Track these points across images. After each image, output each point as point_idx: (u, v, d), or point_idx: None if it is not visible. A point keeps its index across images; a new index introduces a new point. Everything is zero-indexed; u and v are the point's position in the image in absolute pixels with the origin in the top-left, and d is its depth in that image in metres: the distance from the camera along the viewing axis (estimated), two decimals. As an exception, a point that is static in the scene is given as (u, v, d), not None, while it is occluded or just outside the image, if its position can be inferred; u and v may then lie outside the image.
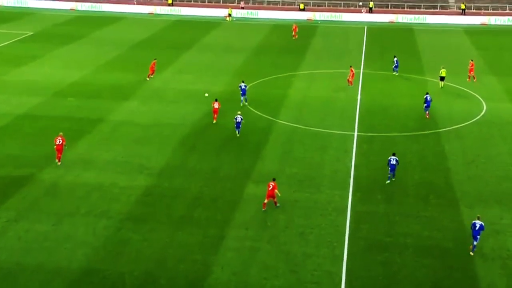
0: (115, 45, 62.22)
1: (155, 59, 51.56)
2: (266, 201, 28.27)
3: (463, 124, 40.00)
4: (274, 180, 28.60)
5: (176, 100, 44.66)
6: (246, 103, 43.10)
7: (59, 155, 32.86)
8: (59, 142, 32.72)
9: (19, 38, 65.42)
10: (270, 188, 28.13)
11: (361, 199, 29.62)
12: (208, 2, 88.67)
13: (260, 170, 32.66)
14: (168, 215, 27.89)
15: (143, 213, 28.09)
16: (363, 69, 53.84)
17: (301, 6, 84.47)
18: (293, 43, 65.30)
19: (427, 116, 41.03)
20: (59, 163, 32.80)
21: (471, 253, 25.14)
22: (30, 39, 65.56)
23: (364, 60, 57.44)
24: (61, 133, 33.41)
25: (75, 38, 65.35)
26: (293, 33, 67.78)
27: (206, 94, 44.07)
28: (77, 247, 25.16)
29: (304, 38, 67.64)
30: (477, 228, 24.99)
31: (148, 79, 49.75)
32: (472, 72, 50.17)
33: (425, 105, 41.18)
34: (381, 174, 32.26)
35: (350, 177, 31.96)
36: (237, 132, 37.46)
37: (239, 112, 38.50)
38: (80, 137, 36.61)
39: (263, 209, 28.21)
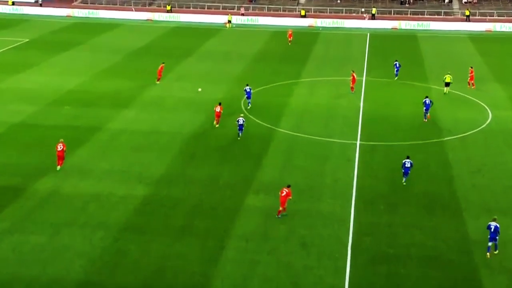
0: (113, 52, 62.50)
1: (163, 63, 52.14)
2: (281, 208, 28.50)
3: (468, 133, 40.13)
4: (288, 186, 28.79)
5: (176, 108, 44.83)
6: (249, 106, 44.00)
7: (60, 161, 33.23)
8: (60, 148, 33.11)
9: (14, 45, 65.72)
10: (283, 194, 28.32)
11: (363, 210, 29.69)
12: (207, 8, 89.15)
13: (260, 179, 32.76)
14: (166, 225, 27.96)
15: (141, 223, 28.16)
16: (365, 76, 54.06)
17: (302, 13, 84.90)
18: (294, 50, 65.59)
19: (427, 118, 41.85)
20: (59, 167, 33.17)
21: (488, 255, 25.56)
22: (26, 46, 65.87)
23: (366, 67, 57.68)
24: (61, 140, 33.75)
25: (72, 45, 65.65)
26: (289, 39, 68.29)
27: (199, 89, 45.03)
28: (73, 258, 25.21)
29: (306, 45, 67.98)
30: (492, 230, 25.33)
31: (158, 82, 50.63)
32: (472, 80, 50.47)
33: (425, 108, 41.95)
34: (384, 184, 32.37)
35: (352, 187, 32.05)
36: (239, 134, 38.04)
37: (241, 115, 39.07)
38: (78, 146, 36.72)
39: (277, 216, 28.51)
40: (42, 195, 30.59)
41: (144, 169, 33.78)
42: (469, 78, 50.75)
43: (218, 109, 40.28)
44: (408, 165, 31.93)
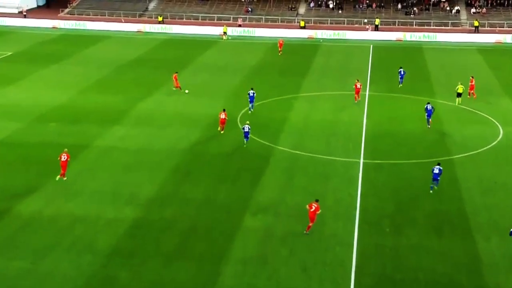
0: (101, 65, 62.83)
1: (176, 72, 53.85)
2: (310, 224, 28.98)
3: (478, 150, 40.34)
4: (317, 201, 29.35)
5: (169, 123, 44.99)
6: (251, 110, 46.58)
7: (63, 172, 34.27)
8: (64, 158, 34.23)
9: (-3, 58, 66.09)
10: (312, 210, 28.84)
11: (367, 231, 29.75)
12: (201, 19, 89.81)
13: (258, 199, 32.84)
14: (158, 249, 27.95)
15: (132, 247, 28.14)
16: (368, 91, 54.41)
17: (302, 24, 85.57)
18: (294, 62, 66.00)
19: (429, 126, 43.82)
20: (65, 178, 34.19)
21: None
22: (10, 59, 66.18)
23: (369, 81, 58.07)
24: (66, 149, 34.76)
25: (58, 58, 65.99)
26: (279, 49, 69.18)
27: (187, 91, 47.33)
28: (59, 284, 25.15)
29: (306, 57, 68.45)
30: None
31: (181, 90, 52.41)
32: (472, 89, 51.15)
33: (426, 114, 44.03)
34: (389, 204, 32.47)
35: (355, 207, 32.14)
36: (244, 141, 39.81)
37: (247, 122, 40.44)
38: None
39: (305, 232, 28.98)
40: (26, 218, 30.57)
41: (135, 190, 33.84)
42: (469, 88, 51.35)
43: (222, 115, 42.23)
44: (436, 171, 33.49)
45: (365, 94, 53.03)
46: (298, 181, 35.40)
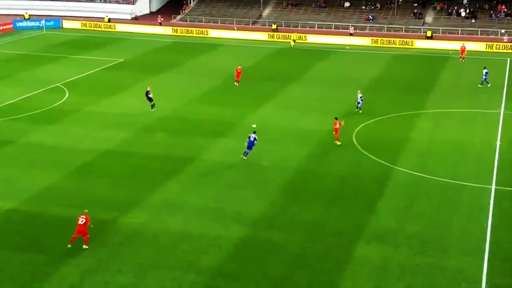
0: (212, 75, 64.35)
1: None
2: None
3: None
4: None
5: (278, 139, 45.15)
6: (359, 110, 50.22)
7: (75, 237, 29.65)
8: (82, 221, 29.55)
9: (108, 65, 69.46)
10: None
11: (499, 270, 28.14)
12: (318, 27, 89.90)
13: (374, 226, 32.06)
14: (264, 273, 27.92)
15: (236, 268, 28.32)
16: (504, 110, 51.91)
17: (429, 34, 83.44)
18: (418, 77, 64.44)
19: None
20: (70, 246, 29.79)
21: None
22: (120, 66, 69.42)
23: (505, 98, 55.43)
24: (86, 211, 30.36)
25: (168, 67, 68.39)
26: (236, 78, 60.40)
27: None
28: (159, 304, 25.67)
29: (432, 71, 66.62)
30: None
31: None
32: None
33: None
34: (525, 240, 30.58)
35: (485, 241, 30.55)
36: (245, 153, 40.78)
37: (254, 126, 43.09)
38: (168, 178, 37.86)
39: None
40: (129, 232, 31.63)
41: (240, 208, 34.13)
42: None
43: (337, 125, 43.12)
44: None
45: (500, 113, 50.64)
46: (420, 207, 34.24)
